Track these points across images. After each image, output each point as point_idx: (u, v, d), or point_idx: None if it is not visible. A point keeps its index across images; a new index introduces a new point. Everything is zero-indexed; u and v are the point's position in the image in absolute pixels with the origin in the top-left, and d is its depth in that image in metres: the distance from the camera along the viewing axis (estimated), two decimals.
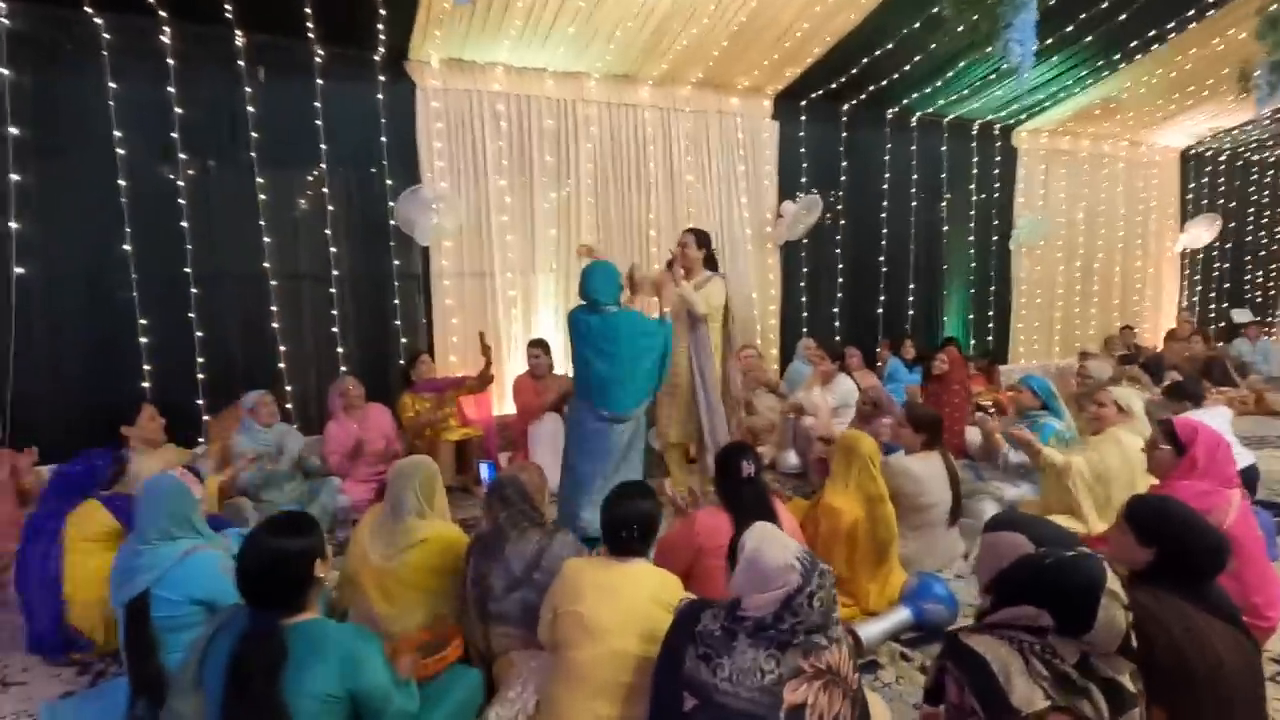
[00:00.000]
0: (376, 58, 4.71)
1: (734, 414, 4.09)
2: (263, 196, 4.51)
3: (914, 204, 6.94)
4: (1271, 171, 9.59)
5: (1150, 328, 8.64)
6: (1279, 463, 4.87)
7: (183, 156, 4.28)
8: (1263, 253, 9.78)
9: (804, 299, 6.52)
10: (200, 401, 4.43)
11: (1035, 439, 3.34)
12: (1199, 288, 9.24)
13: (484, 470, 3.89)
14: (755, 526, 1.79)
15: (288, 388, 4.66)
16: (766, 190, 6.24)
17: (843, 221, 6.63)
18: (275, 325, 4.61)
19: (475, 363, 5.23)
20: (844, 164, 6.55)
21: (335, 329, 4.80)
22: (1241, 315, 9.15)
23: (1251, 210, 9.50)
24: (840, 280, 6.70)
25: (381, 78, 4.76)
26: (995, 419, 4.26)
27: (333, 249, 4.74)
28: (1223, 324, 9.26)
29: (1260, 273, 9.82)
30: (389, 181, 4.83)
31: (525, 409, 4.71)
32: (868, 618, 2.75)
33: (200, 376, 4.42)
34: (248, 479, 3.80)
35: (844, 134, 6.52)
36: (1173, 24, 5.59)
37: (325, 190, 4.68)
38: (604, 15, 4.61)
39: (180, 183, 4.29)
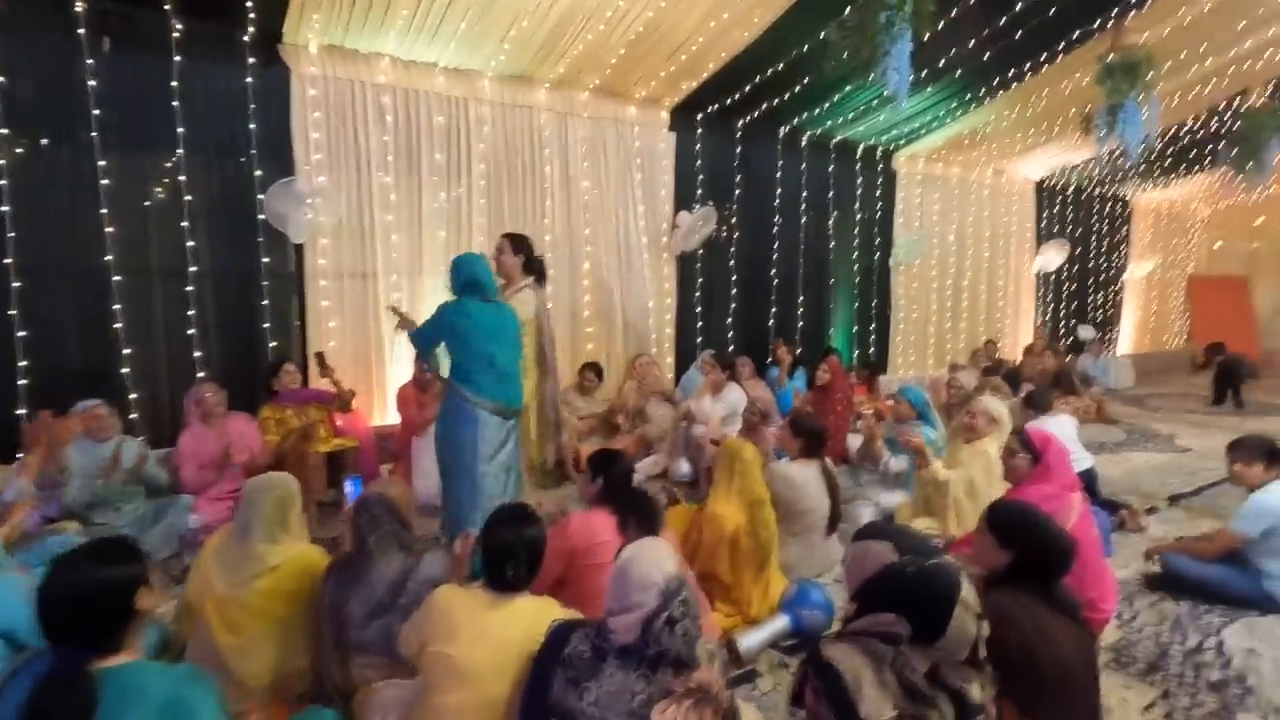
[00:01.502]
0: (246, 38, 4.34)
1: (553, 437, 3.92)
2: (106, 181, 4.04)
3: (803, 220, 7.21)
4: (1109, 204, 10.74)
5: (1010, 342, 9.41)
6: (1115, 467, 5.39)
7: (3, 131, 3.76)
8: (1103, 277, 10.92)
9: (699, 309, 6.61)
10: (21, 411, 3.89)
11: (929, 450, 3.51)
12: (1051, 307, 10.17)
13: (349, 487, 3.60)
14: (644, 540, 1.74)
15: (133, 395, 4.19)
16: (663, 201, 6.29)
17: (737, 234, 6.79)
18: (118, 326, 4.12)
19: (356, 370, 4.94)
20: (738, 178, 6.71)
21: (192, 331, 4.36)
22: (1086, 332, 10.16)
23: (1094, 238, 10.59)
24: (734, 291, 6.85)
25: (251, 60, 4.39)
26: (878, 425, 4.46)
27: (190, 243, 4.31)
28: (1070, 340, 10.24)
29: (1101, 295, 10.96)
30: (258, 172, 4.46)
31: (409, 421, 4.46)
32: (748, 627, 2.76)
33: (22, 382, 3.89)
34: (74, 499, 3.37)
35: (738, 149, 6.68)
36: (1028, 65, 6.12)
37: (182, 178, 4.25)
38: (498, 13, 4.47)
39: (3, 161, 3.76)
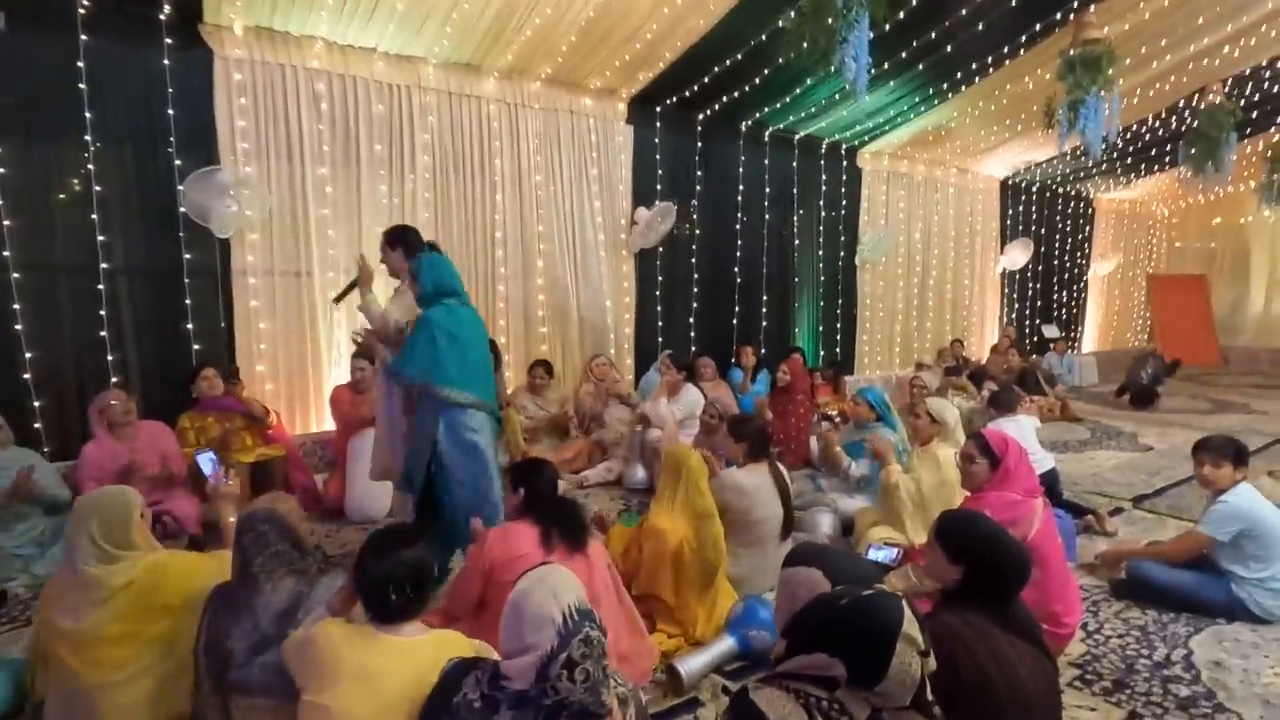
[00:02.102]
0: (162, 16, 4.03)
1: None
2: (3, 170, 3.71)
3: (767, 217, 7.05)
4: (1072, 203, 10.79)
5: (976, 341, 9.37)
6: (1079, 465, 5.30)
7: None
8: (1067, 275, 10.97)
9: (659, 308, 6.40)
10: None
11: (891, 452, 3.34)
12: (1016, 305, 10.17)
13: (204, 464, 2.89)
14: (543, 568, 1.51)
15: (36, 403, 3.85)
16: (621, 196, 6.07)
17: (698, 231, 6.60)
18: (18, 327, 3.78)
19: (290, 376, 4.66)
20: (699, 174, 6.53)
21: (104, 333, 4.03)
22: (1051, 331, 10.18)
23: (1058, 237, 10.62)
24: (695, 290, 6.66)
25: (169, 41, 4.08)
26: (838, 429, 4.30)
27: (101, 237, 3.98)
28: (1035, 339, 10.25)
29: (1065, 294, 11.00)
30: (178, 162, 4.14)
31: (346, 422, 4.18)
32: (692, 649, 2.55)
33: None
34: None
35: (699, 144, 6.49)
36: (990, 59, 6.02)
37: (90, 167, 3.92)
38: None
39: None
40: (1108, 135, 5.74)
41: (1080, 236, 11.04)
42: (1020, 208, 9.90)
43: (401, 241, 3.29)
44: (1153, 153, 8.88)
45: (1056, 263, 10.70)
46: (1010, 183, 9.62)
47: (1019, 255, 9.49)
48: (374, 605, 1.62)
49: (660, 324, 6.41)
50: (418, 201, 5.03)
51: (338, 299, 3.45)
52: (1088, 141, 5.73)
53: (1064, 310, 10.99)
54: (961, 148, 8.18)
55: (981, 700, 1.61)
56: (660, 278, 6.38)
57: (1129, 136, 7.98)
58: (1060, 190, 10.40)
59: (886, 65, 5.69)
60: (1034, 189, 10.02)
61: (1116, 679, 2.44)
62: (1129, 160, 9.11)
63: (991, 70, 6.24)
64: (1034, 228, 10.04)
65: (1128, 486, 4.78)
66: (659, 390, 4.90)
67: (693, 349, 6.41)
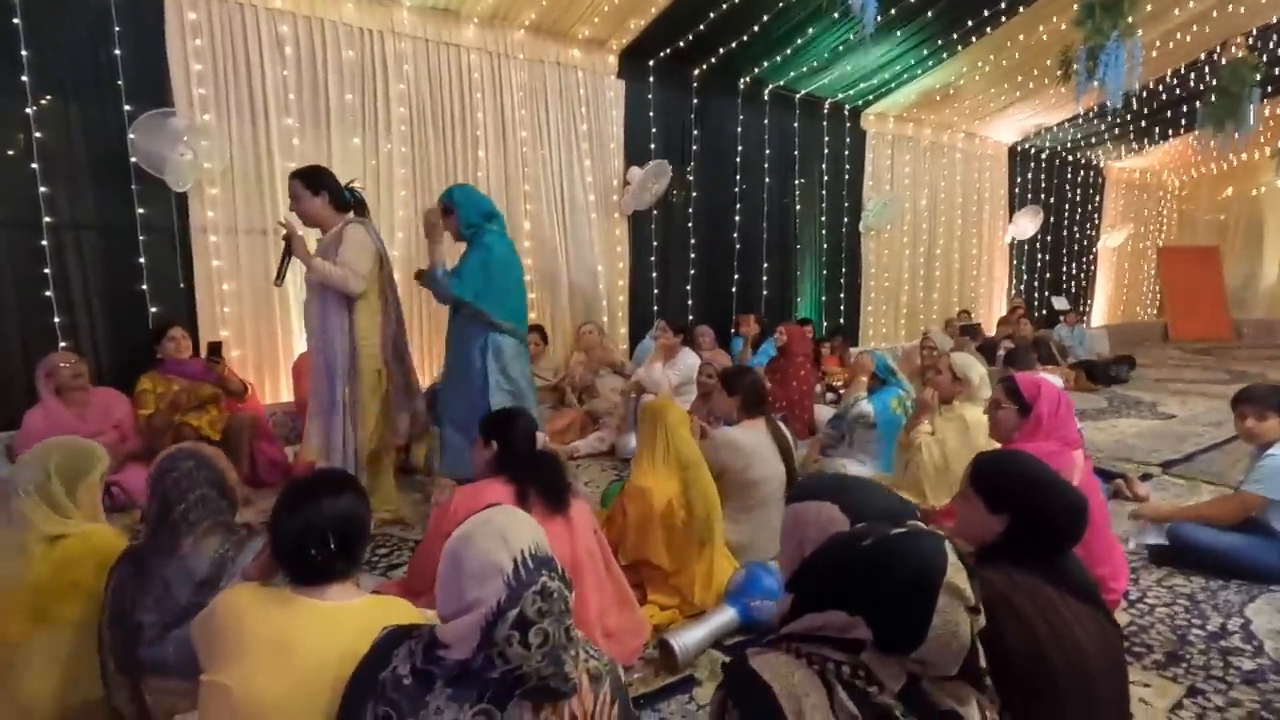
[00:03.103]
0: None
1: (405, 404, 3.19)
2: None
3: (767, 180, 6.71)
4: (1082, 171, 10.43)
5: (984, 312, 9.05)
6: (1101, 434, 5.01)
7: None
8: (1076, 246, 10.63)
9: (654, 274, 6.08)
10: None
11: (929, 411, 3.05)
12: (1025, 276, 9.85)
13: None
14: (491, 509, 1.21)
15: None
16: (612, 154, 5.74)
17: (695, 194, 6.26)
18: None
19: (256, 341, 4.35)
20: (695, 133, 6.18)
21: (49, 293, 3.71)
22: (1061, 303, 9.87)
23: (1067, 207, 10.28)
24: (693, 256, 6.33)
25: None
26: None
27: (43, 188, 3.65)
28: (1044, 311, 9.93)
29: (1075, 265, 10.67)
30: (128, 108, 3.80)
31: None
32: (688, 621, 2.26)
33: None
34: None
35: (695, 100, 6.15)
36: (1004, 4, 5.67)
37: (28, 112, 3.59)
38: None
39: None
40: (1129, 84, 5.41)
41: (1090, 206, 10.69)
42: (1029, 175, 9.54)
43: (324, 186, 3.00)
44: (1168, 114, 8.52)
45: (1066, 233, 10.36)
46: (1019, 149, 9.26)
47: (1028, 224, 9.16)
48: (291, 563, 1.33)
49: (656, 291, 6.09)
50: (394, 157, 4.70)
51: (279, 279, 3.10)
52: (1108, 91, 5.40)
53: (1073, 282, 10.66)
54: (970, 109, 7.82)
55: (1034, 672, 1.31)
56: (655, 242, 6.05)
57: (1145, 96, 7.62)
58: (1070, 158, 10.05)
59: (894, 11, 5.35)
60: (1043, 156, 9.66)
61: (1169, 651, 2.16)
62: (1143, 123, 8.75)
63: (1004, 19, 5.89)
64: (1043, 196, 9.70)
65: (1154, 453, 4.48)
66: (654, 355, 4.60)
67: (690, 317, 6.10)
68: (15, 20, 3.52)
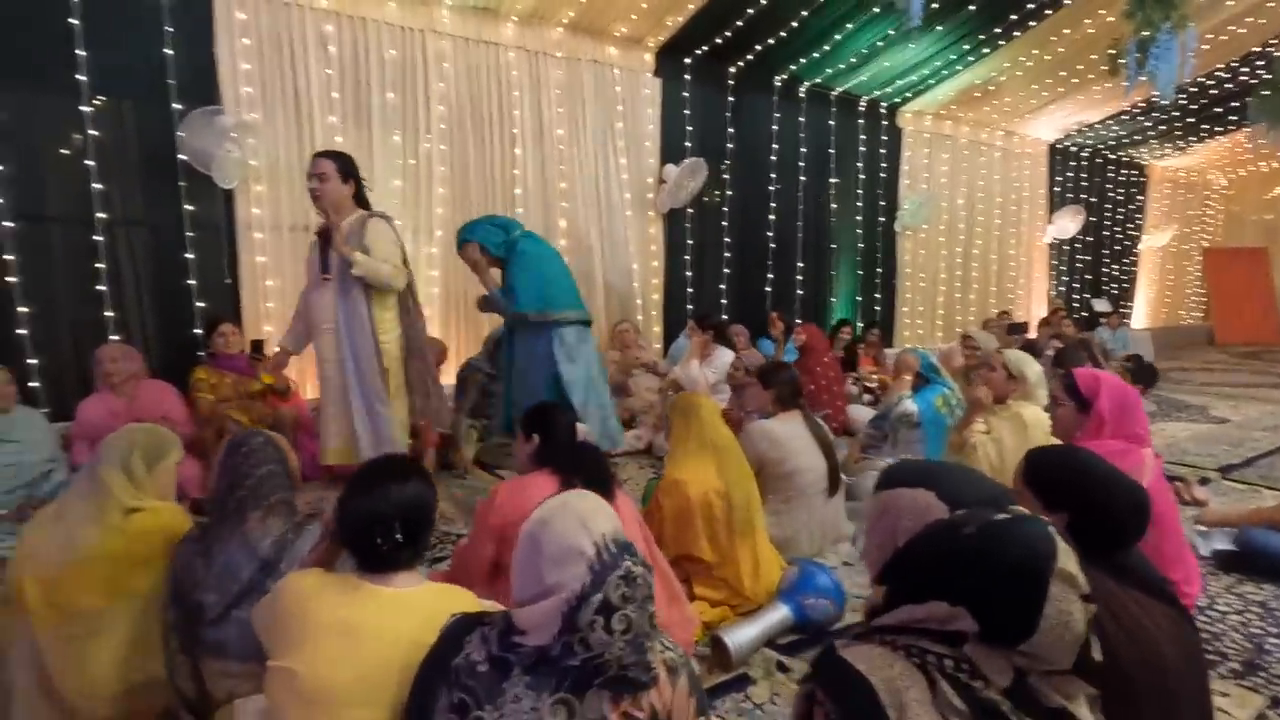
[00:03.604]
0: None
1: (436, 394, 3.20)
2: None
3: (802, 179, 6.64)
4: (1125, 170, 10.16)
5: (1022, 314, 8.84)
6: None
7: None
8: (1118, 247, 10.36)
9: (689, 273, 6.04)
10: None
11: (981, 409, 2.95)
12: (1064, 277, 9.62)
13: None
14: (567, 493, 1.19)
15: (31, 361, 3.63)
16: (648, 152, 5.71)
17: (730, 193, 6.21)
18: (12, 280, 3.56)
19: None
20: (730, 131, 6.14)
21: (102, 287, 3.80)
22: (1101, 305, 9.61)
23: (1109, 206, 10.02)
24: (727, 255, 6.28)
25: None
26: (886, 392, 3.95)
27: (97, 186, 3.74)
28: (1085, 313, 9.69)
29: (1116, 266, 10.40)
30: (177, 107, 3.88)
31: None
32: (740, 619, 2.22)
33: None
34: None
35: (730, 99, 6.10)
36: None
37: (84, 110, 3.68)
38: None
39: None
40: (1181, 76, 5.23)
41: (1132, 206, 10.41)
42: (1069, 174, 9.32)
43: (353, 176, 2.99)
44: (1216, 110, 8.25)
45: (1107, 233, 10.09)
46: (1059, 147, 9.05)
47: (1069, 224, 8.94)
48: (358, 550, 1.32)
49: (690, 290, 6.05)
50: (433, 155, 4.73)
51: (326, 272, 2.97)
52: (1158, 85, 5.23)
53: (1114, 284, 10.39)
54: (1009, 107, 7.65)
55: (1113, 682, 1.24)
56: (690, 241, 6.01)
57: (1194, 90, 7.39)
58: (1112, 156, 9.79)
59: (935, 6, 5.24)
60: (1084, 154, 9.43)
61: (1246, 660, 2.06)
62: (1190, 120, 8.49)
63: (1049, 12, 5.75)
64: (1083, 196, 9.46)
65: (1210, 457, 4.33)
66: (689, 353, 4.55)
67: (724, 316, 6.04)
68: (72, 20, 3.61)
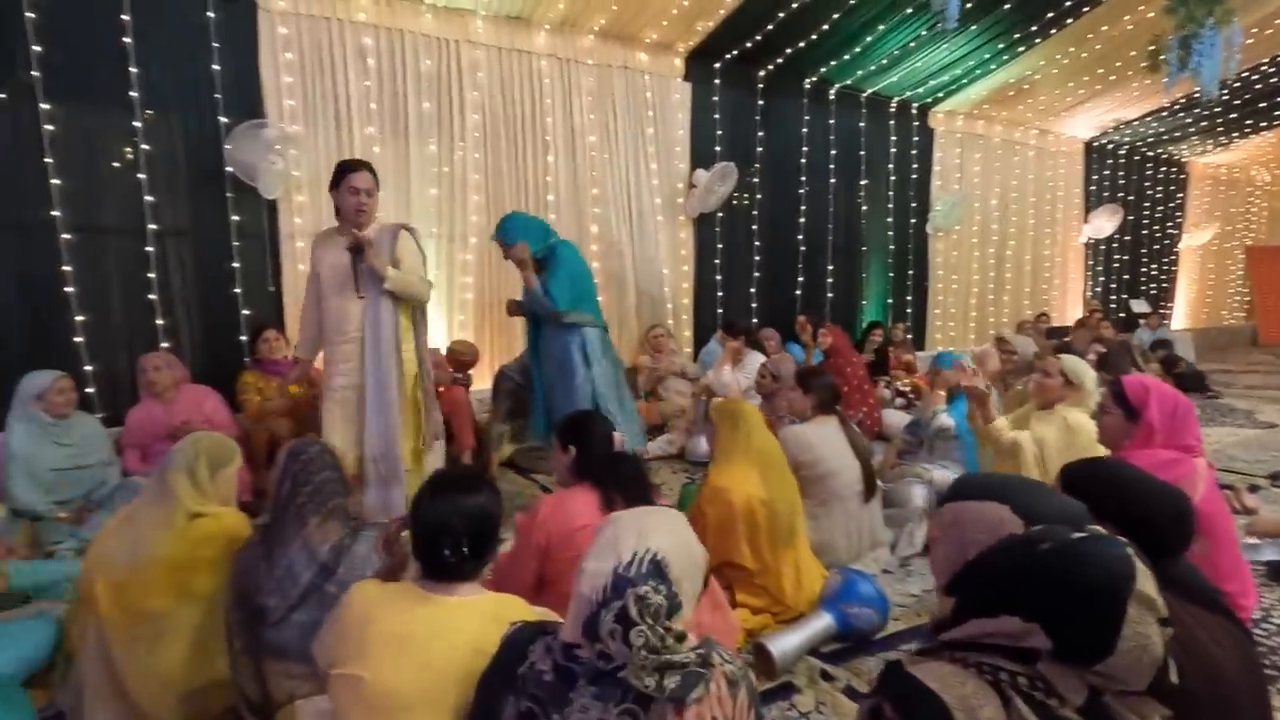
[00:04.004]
0: None
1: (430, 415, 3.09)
2: (50, 128, 3.60)
3: (832, 181, 6.60)
4: (1164, 168, 9.93)
5: (1058, 315, 8.69)
6: None
7: None
8: (1156, 246, 10.12)
9: (719, 277, 6.04)
10: None
11: (990, 403, 2.93)
12: (1101, 278, 9.42)
13: None
14: (662, 507, 1.22)
15: (88, 368, 3.76)
16: (678, 157, 5.73)
17: (759, 196, 6.20)
18: (70, 290, 3.70)
19: None
20: (760, 134, 6.13)
21: (153, 296, 3.92)
22: (1140, 306, 9.40)
23: (1147, 204, 9.80)
24: (757, 259, 6.27)
25: None
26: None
27: (149, 197, 3.86)
28: (1122, 314, 9.49)
29: (1155, 266, 10.16)
30: (224, 120, 4.00)
31: None
32: (783, 626, 2.23)
33: None
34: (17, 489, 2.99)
35: (760, 102, 6.09)
36: None
37: (137, 125, 3.80)
38: None
39: None
40: (1226, 72, 5.11)
41: (1171, 204, 10.16)
42: (1106, 172, 9.13)
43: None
44: (1260, 106, 8.03)
45: (1145, 232, 9.87)
46: (1095, 145, 8.88)
47: (1105, 223, 8.76)
48: (425, 560, 1.36)
49: (720, 294, 6.05)
50: (467, 163, 4.80)
51: (359, 289, 2.85)
52: (1202, 82, 5.12)
53: (1153, 284, 10.15)
54: (1044, 105, 7.53)
55: (1172, 701, 1.23)
56: (720, 245, 6.02)
57: (1238, 86, 7.20)
58: (1151, 153, 9.57)
59: (969, 5, 5.18)
60: (1121, 152, 9.23)
61: None
62: (1232, 115, 8.27)
63: (1086, 9, 5.65)
64: (1120, 194, 9.26)
65: (1258, 464, 4.22)
66: (722, 358, 4.56)
67: (754, 320, 6.04)
68: (126, 39, 3.74)
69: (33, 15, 3.51)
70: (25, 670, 1.94)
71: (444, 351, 4.38)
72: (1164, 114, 7.93)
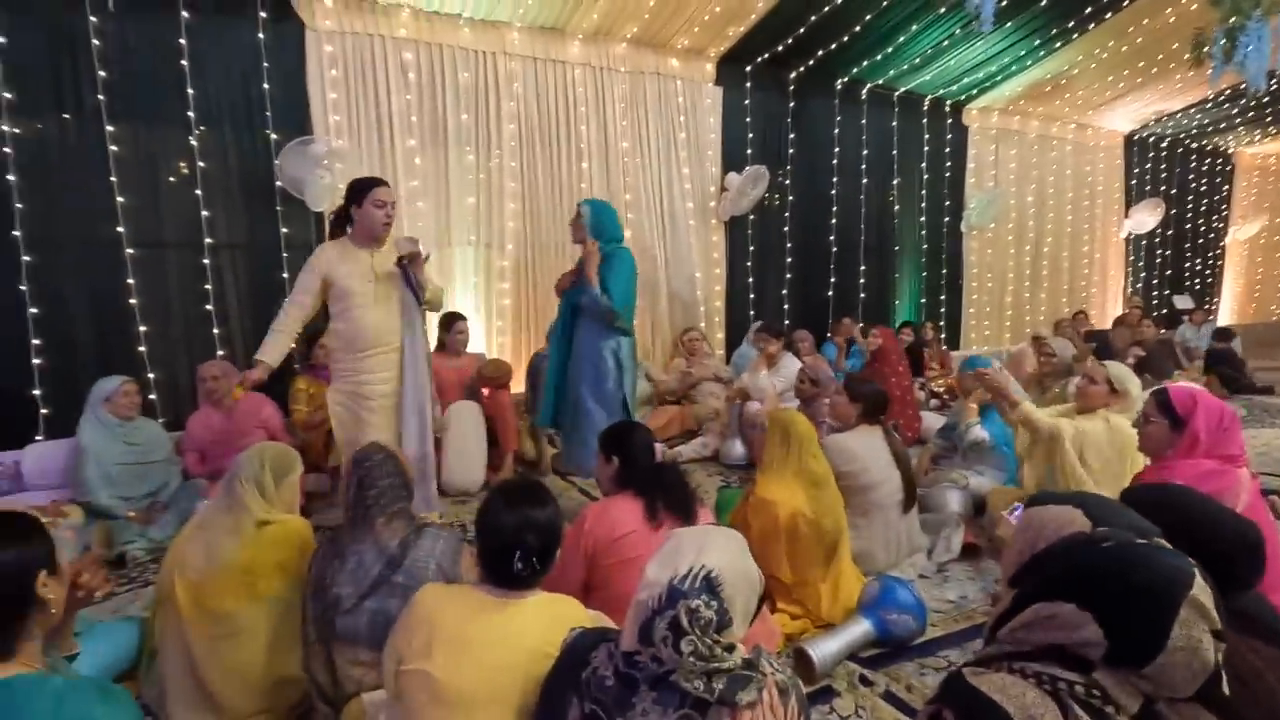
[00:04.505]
0: None
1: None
2: (115, 148, 3.80)
3: (864, 181, 6.59)
4: (1209, 159, 9.66)
5: (1097, 313, 8.54)
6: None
7: (7, 97, 3.55)
8: (1200, 240, 9.86)
9: (750, 279, 6.08)
10: (37, 392, 3.70)
11: (1009, 387, 2.94)
12: (1143, 273, 9.22)
13: None
14: (731, 530, 1.30)
15: (150, 375, 3.96)
16: (709, 162, 5.78)
17: (791, 198, 6.22)
18: (133, 301, 3.90)
19: None
20: (791, 136, 6.15)
21: (209, 306, 4.11)
22: (1184, 302, 9.16)
23: (1191, 197, 9.54)
24: (789, 260, 6.29)
25: (263, 14, 4.09)
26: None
27: (205, 212, 4.05)
28: (1165, 310, 9.27)
29: (1199, 260, 9.90)
30: (274, 136, 4.17)
31: (441, 389, 4.12)
32: (820, 631, 2.28)
33: (36, 361, 3.70)
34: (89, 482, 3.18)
35: (791, 104, 6.11)
36: None
37: (194, 144, 3.99)
38: None
39: (6, 128, 3.56)
40: (1274, 64, 4.98)
41: (1217, 197, 9.88)
42: (1147, 165, 8.93)
43: None
44: None
45: (1189, 226, 9.62)
46: (1136, 138, 8.68)
47: (1147, 217, 8.57)
48: (492, 569, 1.45)
49: (752, 296, 6.10)
50: (504, 171, 4.92)
51: (421, 301, 3.01)
52: (1249, 75, 4.99)
53: (1198, 279, 9.89)
54: (1082, 99, 7.39)
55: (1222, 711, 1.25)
56: (752, 247, 6.06)
57: None
58: (1195, 145, 9.32)
59: (1004, 3, 5.13)
60: (1163, 144, 9.01)
61: None
62: None
63: (1127, 2, 5.54)
64: (1163, 187, 9.05)
65: None
66: (757, 361, 4.59)
67: (786, 322, 6.07)
68: (183, 62, 3.92)
69: (98, 43, 3.71)
70: (113, 670, 2.09)
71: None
72: (1208, 105, 7.73)
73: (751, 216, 5.96)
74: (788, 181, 6.17)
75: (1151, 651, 0.91)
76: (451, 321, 4.20)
